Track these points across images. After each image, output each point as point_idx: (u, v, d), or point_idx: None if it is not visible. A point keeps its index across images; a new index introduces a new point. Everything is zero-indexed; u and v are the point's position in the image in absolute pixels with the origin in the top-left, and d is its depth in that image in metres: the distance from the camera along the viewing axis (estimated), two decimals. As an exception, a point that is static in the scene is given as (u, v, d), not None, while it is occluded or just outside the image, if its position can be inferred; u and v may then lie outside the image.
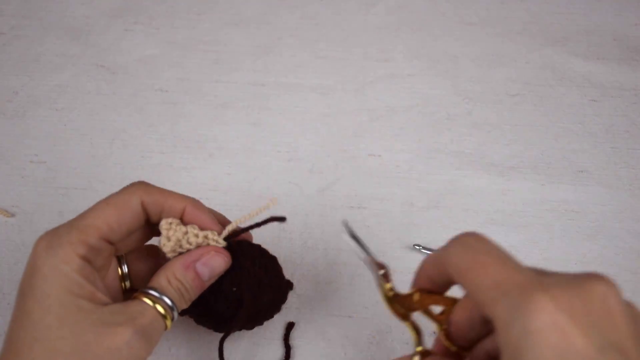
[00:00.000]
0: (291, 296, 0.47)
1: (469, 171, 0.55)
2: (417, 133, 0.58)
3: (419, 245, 0.50)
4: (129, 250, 0.40)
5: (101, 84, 0.62)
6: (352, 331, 0.43)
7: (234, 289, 0.40)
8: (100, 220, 0.35)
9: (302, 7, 0.68)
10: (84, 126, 0.58)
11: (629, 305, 0.27)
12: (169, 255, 0.38)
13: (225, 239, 0.39)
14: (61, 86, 0.61)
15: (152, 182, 0.54)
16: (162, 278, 0.37)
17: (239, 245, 0.40)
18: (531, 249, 0.50)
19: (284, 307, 0.45)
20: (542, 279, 0.27)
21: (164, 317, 0.35)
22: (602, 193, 0.53)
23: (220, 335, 0.42)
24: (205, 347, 0.45)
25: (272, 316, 0.43)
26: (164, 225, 0.38)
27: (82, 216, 0.36)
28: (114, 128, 0.58)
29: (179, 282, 0.37)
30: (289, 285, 0.45)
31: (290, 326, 0.46)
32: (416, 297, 0.34)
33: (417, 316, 0.35)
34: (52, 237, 0.34)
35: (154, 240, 0.41)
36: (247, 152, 0.56)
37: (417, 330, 0.35)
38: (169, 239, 0.37)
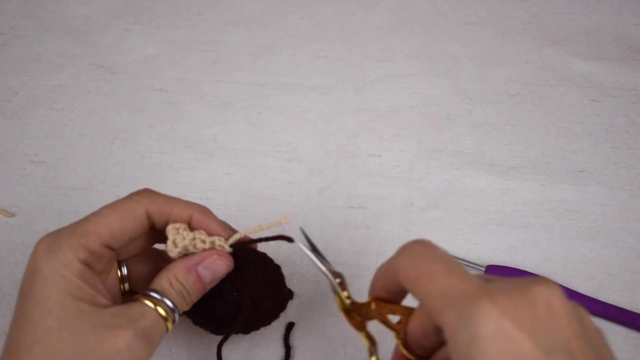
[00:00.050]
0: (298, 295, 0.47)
1: (469, 171, 0.55)
2: (417, 133, 0.58)
3: (419, 245, 0.50)
4: (132, 256, 0.39)
5: (101, 84, 0.62)
6: (352, 331, 0.43)
7: (235, 293, 0.40)
8: (103, 227, 0.35)
9: (302, 7, 0.68)
10: (84, 126, 0.58)
11: (574, 306, 0.28)
12: (175, 257, 0.38)
13: (231, 245, 0.39)
14: (61, 86, 0.61)
15: (152, 182, 0.54)
16: (163, 280, 0.36)
17: (244, 252, 0.40)
18: (531, 249, 0.50)
19: (287, 306, 0.45)
20: (488, 286, 0.27)
21: (165, 319, 0.35)
22: (602, 193, 0.53)
23: (218, 335, 0.42)
24: (205, 347, 0.45)
25: (269, 323, 0.43)
26: (170, 230, 0.37)
27: (85, 220, 0.36)
28: (114, 128, 0.58)
29: (180, 284, 0.37)
30: (289, 295, 0.45)
31: (290, 326, 0.46)
32: (373, 306, 0.35)
33: (379, 325, 0.35)
34: (53, 239, 0.34)
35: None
36: (247, 152, 0.56)
37: (371, 341, 0.35)
38: (175, 245, 0.37)
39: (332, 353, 0.45)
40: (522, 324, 0.25)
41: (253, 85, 0.61)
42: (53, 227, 0.36)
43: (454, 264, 0.30)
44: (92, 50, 0.64)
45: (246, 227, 0.40)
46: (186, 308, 0.38)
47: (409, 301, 0.33)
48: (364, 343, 0.36)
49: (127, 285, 0.39)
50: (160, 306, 0.35)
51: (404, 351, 0.34)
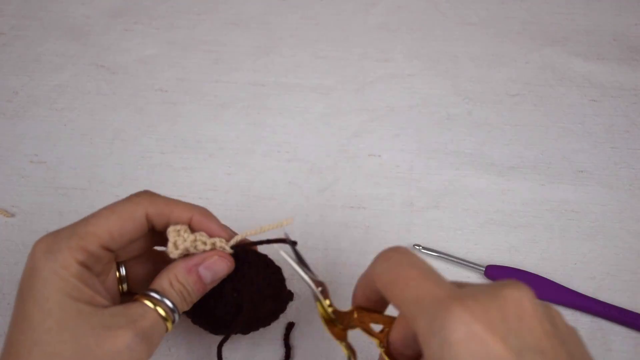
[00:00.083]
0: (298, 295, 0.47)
1: (469, 171, 0.55)
2: (417, 133, 0.58)
3: (419, 245, 0.50)
4: (131, 258, 0.39)
5: (101, 84, 0.62)
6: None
7: (235, 294, 0.40)
8: (102, 229, 0.35)
9: (302, 7, 0.68)
10: (84, 126, 0.58)
11: (545, 307, 0.28)
12: (176, 258, 0.38)
13: (232, 247, 0.39)
14: (61, 86, 0.61)
15: (152, 182, 0.54)
16: (164, 280, 0.36)
17: (245, 253, 0.40)
18: (531, 249, 0.50)
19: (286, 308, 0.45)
20: (459, 291, 0.28)
21: (164, 319, 0.35)
22: (602, 193, 0.53)
23: (218, 336, 0.42)
24: (205, 347, 0.45)
25: (269, 324, 0.43)
26: (171, 232, 0.37)
27: (84, 222, 0.36)
28: (114, 128, 0.58)
29: (181, 285, 0.36)
30: (289, 296, 0.45)
31: (290, 326, 0.46)
32: (355, 314, 0.35)
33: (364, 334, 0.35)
34: (52, 241, 0.34)
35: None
36: (247, 152, 0.56)
37: (351, 351, 0.36)
38: (176, 247, 0.37)
39: (332, 353, 0.45)
40: (493, 327, 0.26)
41: (253, 85, 0.61)
42: (53, 227, 0.36)
43: (428, 270, 0.30)
44: (92, 50, 0.64)
45: (247, 227, 0.40)
46: (186, 308, 0.37)
47: (392, 310, 0.33)
48: (344, 352, 0.36)
49: (125, 286, 0.39)
50: (160, 306, 0.35)
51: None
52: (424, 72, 0.62)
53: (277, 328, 0.46)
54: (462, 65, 0.63)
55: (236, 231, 0.40)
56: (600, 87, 0.60)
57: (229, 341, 0.44)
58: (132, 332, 0.33)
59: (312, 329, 0.46)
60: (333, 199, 0.53)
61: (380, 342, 0.35)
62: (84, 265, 0.34)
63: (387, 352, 0.34)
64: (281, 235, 0.40)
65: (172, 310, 0.36)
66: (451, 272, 0.49)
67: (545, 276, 0.48)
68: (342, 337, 0.37)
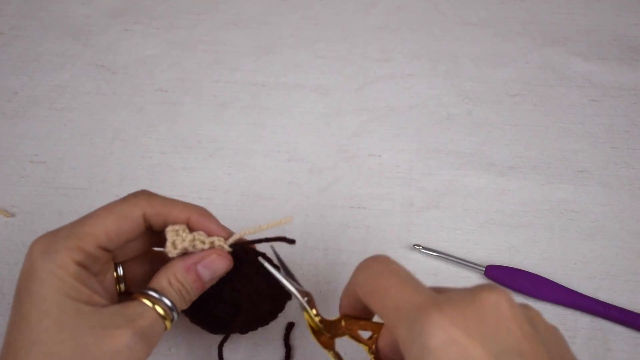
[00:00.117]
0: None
1: (469, 171, 0.55)
2: (417, 133, 0.58)
3: (419, 245, 0.50)
4: (129, 259, 0.39)
5: (101, 84, 0.62)
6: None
7: (234, 293, 0.40)
8: (99, 229, 0.35)
9: (302, 7, 0.68)
10: (84, 126, 0.58)
11: (523, 309, 0.29)
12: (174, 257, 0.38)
13: (231, 245, 0.39)
14: (61, 86, 0.61)
15: (152, 182, 0.54)
16: (162, 279, 0.36)
17: (244, 252, 0.40)
18: (531, 249, 0.50)
19: (285, 307, 0.45)
20: (437, 297, 0.28)
21: (163, 318, 0.35)
22: (602, 193, 0.53)
23: (217, 335, 0.42)
24: (205, 347, 0.45)
25: (267, 323, 0.43)
26: (169, 232, 0.37)
27: (81, 222, 0.36)
28: (114, 128, 0.58)
29: (179, 283, 0.36)
30: (288, 295, 0.45)
31: (290, 326, 0.46)
32: (343, 323, 0.36)
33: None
34: (49, 241, 0.34)
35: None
36: (247, 152, 0.56)
37: (339, 359, 0.36)
38: (175, 247, 0.37)
39: (343, 344, 0.45)
40: (471, 332, 0.26)
41: (253, 85, 0.61)
42: (53, 227, 0.36)
43: (407, 277, 0.30)
44: (92, 50, 0.64)
45: (246, 227, 0.40)
46: (185, 307, 0.37)
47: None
48: None
49: (123, 286, 0.39)
50: (159, 305, 0.35)
51: None
52: (424, 72, 0.62)
53: (277, 328, 0.46)
54: (462, 65, 0.63)
55: (235, 231, 0.40)
56: (600, 87, 0.60)
57: (229, 341, 0.44)
58: (130, 331, 0.33)
59: (312, 329, 0.46)
60: (333, 199, 0.53)
61: (369, 348, 0.35)
62: (82, 265, 0.34)
63: (377, 358, 0.35)
64: (280, 234, 0.40)
65: (171, 309, 0.36)
66: (451, 272, 0.49)
67: (545, 276, 0.48)
68: (329, 346, 0.37)
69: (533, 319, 0.29)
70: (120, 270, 0.39)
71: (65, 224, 0.36)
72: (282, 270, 0.40)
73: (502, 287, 0.28)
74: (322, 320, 0.37)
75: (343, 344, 0.38)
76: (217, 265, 0.38)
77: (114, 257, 0.38)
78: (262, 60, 0.63)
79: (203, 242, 0.38)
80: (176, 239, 0.37)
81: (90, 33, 0.66)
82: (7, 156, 0.56)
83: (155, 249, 0.41)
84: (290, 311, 0.46)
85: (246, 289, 0.40)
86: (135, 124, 0.58)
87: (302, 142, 0.57)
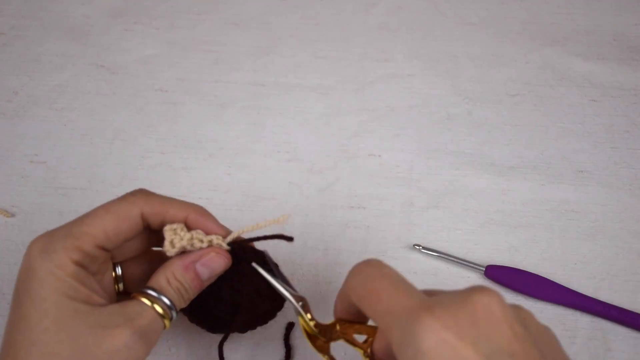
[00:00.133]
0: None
1: (469, 171, 0.55)
2: (417, 133, 0.58)
3: (419, 245, 0.50)
4: (128, 259, 0.39)
5: (101, 84, 0.62)
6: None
7: (232, 292, 0.40)
8: (97, 228, 0.35)
9: (302, 7, 0.68)
10: (84, 126, 0.58)
11: (515, 310, 0.29)
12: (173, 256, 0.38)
13: (229, 243, 0.39)
14: (61, 86, 0.61)
15: (152, 182, 0.54)
16: (161, 278, 0.36)
17: (243, 250, 0.40)
18: (531, 249, 0.50)
19: (285, 307, 0.45)
20: (429, 300, 0.28)
21: (162, 317, 0.35)
22: (602, 193, 0.53)
23: (216, 335, 0.42)
24: (205, 347, 0.45)
25: (266, 322, 0.43)
26: (167, 231, 0.37)
27: (79, 221, 0.35)
28: (114, 128, 0.58)
29: (178, 282, 0.36)
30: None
31: (290, 326, 0.46)
32: (337, 327, 0.36)
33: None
34: (47, 241, 0.34)
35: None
36: (247, 152, 0.56)
37: None
38: (173, 246, 0.37)
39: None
40: (463, 334, 0.26)
41: (253, 85, 0.61)
42: (53, 227, 0.36)
43: (399, 281, 0.31)
44: (92, 50, 0.64)
45: (244, 225, 0.40)
46: (184, 305, 0.37)
47: None
48: None
49: (121, 286, 0.39)
50: (158, 304, 0.35)
51: None
52: (424, 72, 0.62)
53: (277, 328, 0.46)
54: (462, 65, 0.63)
55: (234, 230, 0.40)
56: (600, 87, 0.60)
57: (229, 341, 0.44)
58: (129, 330, 0.33)
59: (312, 329, 0.46)
60: (333, 199, 0.53)
61: (365, 352, 0.35)
62: (80, 264, 0.34)
63: None
64: (280, 233, 0.40)
65: (170, 308, 0.36)
66: (451, 272, 0.49)
67: (545, 276, 0.48)
68: (324, 350, 0.37)
69: (525, 320, 0.29)
70: (119, 270, 0.39)
71: (63, 224, 0.36)
72: (277, 274, 0.40)
73: (493, 289, 0.28)
74: (317, 325, 0.37)
75: (338, 347, 0.38)
76: (216, 263, 0.38)
77: (112, 257, 0.38)
78: (262, 60, 0.63)
79: (201, 241, 0.38)
80: (174, 238, 0.37)
81: (90, 33, 0.66)
82: (7, 156, 0.56)
83: (154, 248, 0.41)
84: (290, 311, 0.46)
85: (245, 288, 0.40)
86: (135, 124, 0.58)
87: (302, 142, 0.57)
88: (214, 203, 0.53)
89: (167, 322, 0.36)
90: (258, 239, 0.40)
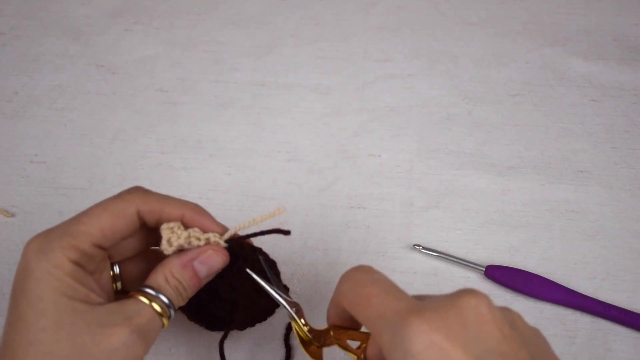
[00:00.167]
0: (291, 296, 0.47)
1: (469, 171, 0.55)
2: (417, 133, 0.58)
3: (419, 245, 0.50)
4: (126, 258, 0.39)
5: (101, 84, 0.62)
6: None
7: (231, 289, 0.40)
8: (93, 227, 0.35)
9: (302, 7, 0.68)
10: (84, 126, 0.58)
11: (504, 311, 0.29)
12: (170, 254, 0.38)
13: (226, 241, 0.39)
14: (61, 86, 0.61)
15: (152, 182, 0.54)
16: (159, 276, 0.36)
17: (240, 247, 0.40)
18: (531, 249, 0.50)
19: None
20: (419, 304, 0.29)
21: (160, 315, 0.35)
22: (602, 193, 0.53)
23: (217, 333, 0.42)
24: (205, 346, 0.45)
25: (265, 319, 0.43)
26: (165, 229, 0.37)
27: (75, 220, 0.35)
28: (114, 128, 0.58)
29: (176, 280, 0.36)
30: (285, 291, 0.45)
31: (290, 326, 0.46)
32: (331, 332, 0.36)
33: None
34: (44, 240, 0.34)
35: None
36: (247, 152, 0.56)
37: None
38: (170, 244, 0.37)
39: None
40: (452, 336, 0.27)
41: (253, 85, 0.61)
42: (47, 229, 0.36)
43: (389, 286, 0.31)
44: (92, 50, 0.64)
45: (241, 221, 0.39)
46: (182, 303, 0.37)
47: None
48: None
49: (119, 285, 0.39)
50: (156, 302, 0.35)
51: None
52: (424, 72, 0.62)
53: (277, 328, 0.46)
54: (462, 65, 0.63)
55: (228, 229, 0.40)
56: (600, 87, 0.60)
57: (229, 341, 0.44)
58: (128, 329, 0.33)
59: (312, 329, 0.46)
60: (333, 199, 0.53)
61: (358, 358, 0.35)
62: (77, 263, 0.34)
63: None
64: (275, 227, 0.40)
65: (168, 306, 0.36)
66: (451, 272, 0.49)
67: (545, 276, 0.48)
68: (318, 356, 0.37)
69: (514, 321, 0.29)
70: (117, 269, 0.39)
71: (59, 223, 0.36)
72: (271, 275, 0.40)
73: (481, 291, 0.29)
74: (311, 330, 0.37)
75: (332, 353, 0.38)
76: (214, 260, 0.38)
77: (111, 257, 0.38)
78: (262, 60, 0.63)
79: (198, 239, 0.38)
80: (171, 237, 0.37)
81: (90, 33, 0.66)
82: (7, 156, 0.56)
83: (153, 248, 0.41)
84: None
85: (243, 285, 0.40)
86: (135, 124, 0.58)
87: (302, 142, 0.57)
88: (214, 203, 0.53)
89: (165, 320, 0.36)
90: (255, 234, 0.40)
